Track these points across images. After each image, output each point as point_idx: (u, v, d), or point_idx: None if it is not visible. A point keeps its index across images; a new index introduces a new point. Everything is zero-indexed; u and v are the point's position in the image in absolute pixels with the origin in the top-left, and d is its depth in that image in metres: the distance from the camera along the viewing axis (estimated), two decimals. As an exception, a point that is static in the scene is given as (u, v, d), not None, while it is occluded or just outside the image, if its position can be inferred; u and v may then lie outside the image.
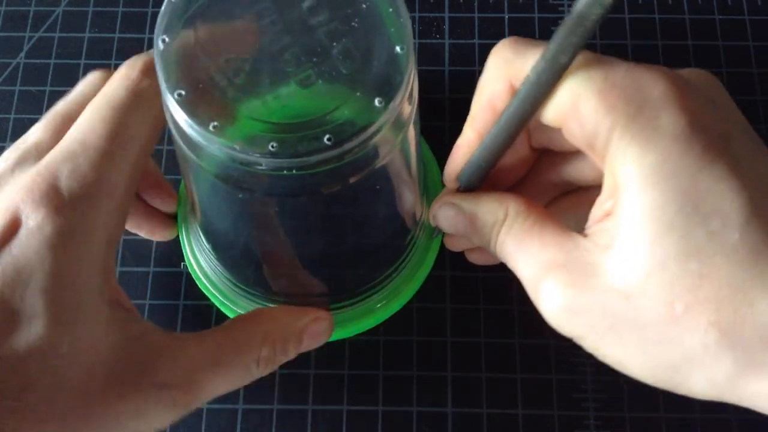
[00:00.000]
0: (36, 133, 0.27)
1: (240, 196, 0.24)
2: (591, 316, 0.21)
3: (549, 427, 0.32)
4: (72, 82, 0.30)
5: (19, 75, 0.39)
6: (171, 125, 0.24)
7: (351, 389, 0.33)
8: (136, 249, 0.35)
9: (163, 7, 0.23)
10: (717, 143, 0.20)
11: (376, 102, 0.22)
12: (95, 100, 0.26)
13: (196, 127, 0.22)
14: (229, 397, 0.33)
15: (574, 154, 0.27)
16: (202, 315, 0.34)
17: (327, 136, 0.21)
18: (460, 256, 0.33)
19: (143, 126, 0.26)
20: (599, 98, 0.21)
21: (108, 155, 0.25)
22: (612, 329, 0.21)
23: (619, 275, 0.20)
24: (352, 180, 0.23)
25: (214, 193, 0.27)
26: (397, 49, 0.23)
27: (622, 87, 0.21)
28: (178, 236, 0.34)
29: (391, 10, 0.23)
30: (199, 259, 0.33)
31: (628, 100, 0.20)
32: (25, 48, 0.39)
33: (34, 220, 0.23)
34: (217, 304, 0.33)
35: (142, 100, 0.26)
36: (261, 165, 0.22)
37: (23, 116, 0.38)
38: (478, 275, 0.35)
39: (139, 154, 0.26)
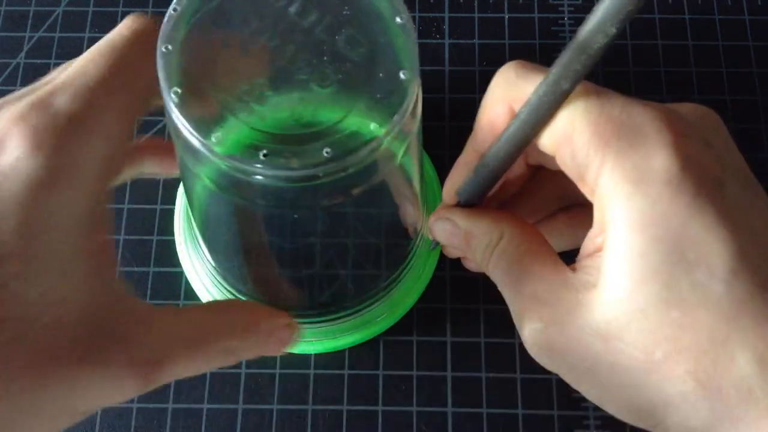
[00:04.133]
0: (50, 73, 0.25)
1: (253, 210, 0.24)
2: (571, 355, 0.21)
3: (549, 427, 0.33)
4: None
5: (19, 75, 0.39)
6: (183, 152, 0.23)
7: (351, 389, 0.33)
8: (136, 249, 0.35)
9: (158, 62, 0.22)
10: (709, 189, 0.20)
11: (401, 75, 0.22)
12: (98, 43, 0.25)
13: (245, 161, 0.21)
14: (230, 397, 0.33)
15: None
16: (202, 315, 0.34)
17: (371, 124, 0.21)
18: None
19: (145, 63, 0.24)
20: (594, 131, 0.20)
21: (105, 85, 0.23)
22: (591, 370, 0.21)
23: (600, 317, 0.20)
24: (355, 192, 0.23)
25: (224, 208, 0.26)
26: (398, 19, 0.23)
27: (618, 122, 0.20)
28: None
29: None
30: (199, 272, 0.33)
31: (622, 137, 0.20)
32: (25, 48, 0.39)
33: (18, 152, 0.21)
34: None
35: (143, 36, 0.24)
36: (321, 175, 0.21)
37: (23, 116, 0.38)
38: (478, 275, 0.34)
39: (141, 91, 0.24)
